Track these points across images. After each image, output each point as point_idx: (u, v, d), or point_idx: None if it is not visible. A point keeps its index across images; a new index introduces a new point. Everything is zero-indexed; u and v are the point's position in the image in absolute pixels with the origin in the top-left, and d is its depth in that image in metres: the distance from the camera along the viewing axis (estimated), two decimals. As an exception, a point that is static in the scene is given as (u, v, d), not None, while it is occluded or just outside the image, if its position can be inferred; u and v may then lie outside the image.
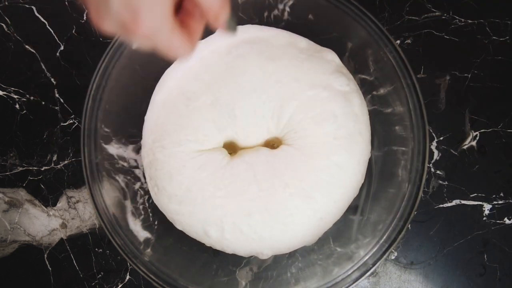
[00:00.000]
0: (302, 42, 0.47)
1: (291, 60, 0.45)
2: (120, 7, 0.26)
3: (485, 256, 0.50)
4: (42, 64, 0.54)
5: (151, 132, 0.46)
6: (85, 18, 0.54)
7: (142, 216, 0.47)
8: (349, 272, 0.43)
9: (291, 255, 0.47)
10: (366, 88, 0.47)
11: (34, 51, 0.54)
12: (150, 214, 0.47)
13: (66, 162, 0.53)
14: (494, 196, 0.51)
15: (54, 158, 0.53)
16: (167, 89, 0.46)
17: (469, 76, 0.52)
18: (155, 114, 0.46)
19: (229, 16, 0.30)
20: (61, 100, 0.53)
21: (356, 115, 0.44)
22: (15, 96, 0.53)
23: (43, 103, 0.53)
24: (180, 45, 0.29)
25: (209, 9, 0.29)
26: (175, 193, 0.44)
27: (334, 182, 0.43)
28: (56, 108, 0.53)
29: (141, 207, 0.47)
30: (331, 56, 0.46)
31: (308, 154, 0.43)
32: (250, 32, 0.46)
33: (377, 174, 0.47)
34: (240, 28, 0.45)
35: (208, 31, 0.39)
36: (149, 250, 0.45)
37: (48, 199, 0.52)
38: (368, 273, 0.42)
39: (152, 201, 0.47)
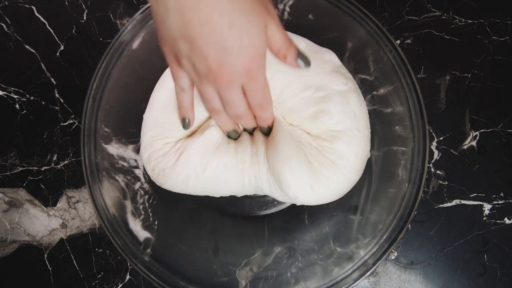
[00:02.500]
0: (301, 43, 0.47)
1: None
2: (238, 56, 0.31)
3: (485, 256, 0.50)
4: (42, 64, 0.54)
5: (150, 128, 0.46)
6: (85, 18, 0.54)
7: (142, 216, 0.47)
8: (349, 272, 0.43)
9: (291, 255, 0.47)
10: (366, 88, 0.47)
11: (34, 51, 0.54)
12: (150, 214, 0.47)
13: (66, 162, 0.53)
14: (494, 196, 0.51)
15: (54, 158, 0.53)
16: (168, 88, 0.46)
17: (469, 76, 0.52)
18: (155, 113, 0.46)
19: (297, 53, 0.35)
20: (61, 100, 0.53)
21: (354, 113, 0.44)
22: (15, 96, 0.53)
23: (43, 103, 0.53)
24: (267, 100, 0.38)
25: (278, 51, 0.34)
26: (187, 172, 0.44)
27: (334, 169, 0.43)
28: (56, 108, 0.53)
29: (141, 207, 0.47)
30: (329, 57, 0.46)
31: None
32: None
33: (377, 174, 0.47)
34: None
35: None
36: (149, 250, 0.45)
37: (48, 199, 0.52)
38: (368, 273, 0.42)
39: (152, 201, 0.47)
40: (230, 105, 0.35)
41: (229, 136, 0.45)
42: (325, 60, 0.46)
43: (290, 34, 0.47)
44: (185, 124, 0.41)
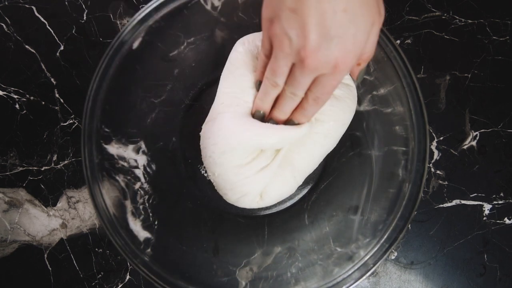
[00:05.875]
0: None
1: None
2: (338, 45, 0.30)
3: (485, 256, 0.50)
4: (42, 64, 0.54)
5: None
6: (85, 18, 0.54)
7: (142, 216, 0.47)
8: (350, 272, 0.43)
9: (291, 255, 0.47)
10: (366, 88, 0.47)
11: (34, 51, 0.54)
12: (150, 214, 0.47)
13: (66, 162, 0.53)
14: (494, 196, 0.51)
15: (54, 158, 0.53)
16: None
17: (469, 76, 0.52)
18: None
19: (365, 68, 0.37)
20: (61, 100, 0.53)
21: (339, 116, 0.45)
22: (15, 96, 0.53)
23: (43, 103, 0.53)
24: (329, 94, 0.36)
25: (361, 54, 0.34)
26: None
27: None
28: (56, 108, 0.53)
29: (141, 207, 0.47)
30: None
31: None
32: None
33: (377, 174, 0.47)
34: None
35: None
36: (149, 250, 0.45)
37: (48, 199, 0.52)
38: (368, 273, 0.42)
39: (152, 201, 0.47)
40: (295, 85, 0.35)
41: (253, 115, 0.43)
42: None
43: None
44: (259, 115, 0.41)
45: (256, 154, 0.43)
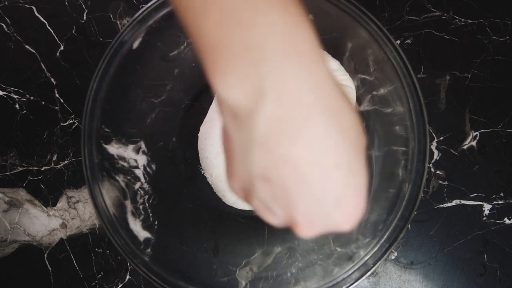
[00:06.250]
0: (333, 63, 0.47)
1: None
2: (338, 211, 0.23)
3: (485, 256, 0.50)
4: (42, 64, 0.54)
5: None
6: (85, 18, 0.54)
7: (142, 216, 0.47)
8: (349, 272, 0.43)
9: (291, 255, 0.47)
10: (366, 88, 0.47)
11: (34, 51, 0.54)
12: (150, 214, 0.47)
13: (66, 162, 0.53)
14: (494, 196, 0.51)
15: (54, 158, 0.53)
16: None
17: (469, 76, 0.52)
18: None
19: None
20: (61, 100, 0.53)
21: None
22: (15, 96, 0.53)
23: (43, 103, 0.53)
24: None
25: None
26: None
27: None
28: (56, 108, 0.53)
29: (141, 207, 0.47)
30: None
31: None
32: None
33: (377, 174, 0.47)
34: None
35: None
36: (149, 250, 0.45)
37: (48, 199, 0.52)
38: (368, 273, 0.42)
39: (152, 201, 0.47)
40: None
41: None
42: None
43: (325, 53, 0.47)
44: None
45: None
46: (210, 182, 0.47)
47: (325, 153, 0.21)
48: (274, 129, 0.21)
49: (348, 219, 0.24)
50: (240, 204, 0.46)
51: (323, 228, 0.24)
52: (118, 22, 0.54)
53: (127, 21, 0.51)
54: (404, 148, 0.44)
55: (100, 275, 0.51)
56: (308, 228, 0.24)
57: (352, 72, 0.47)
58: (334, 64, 0.46)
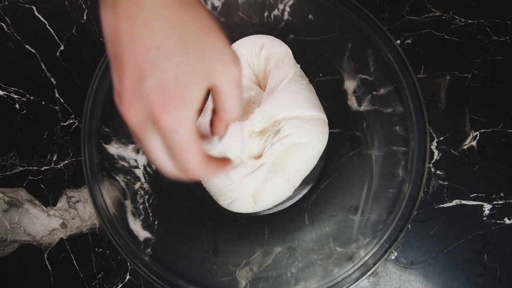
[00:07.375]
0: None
1: None
2: (153, 88, 0.25)
3: (485, 256, 0.50)
4: (42, 64, 0.54)
5: None
6: (85, 18, 0.54)
7: (142, 216, 0.47)
8: (350, 272, 0.43)
9: (291, 255, 0.47)
10: (366, 88, 0.47)
11: (34, 51, 0.54)
12: (150, 214, 0.47)
13: (66, 162, 0.53)
14: (494, 196, 0.51)
15: (54, 158, 0.53)
16: None
17: (469, 76, 0.52)
18: None
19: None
20: (61, 100, 0.53)
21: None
22: (15, 96, 0.53)
23: (43, 103, 0.53)
24: (194, 158, 0.28)
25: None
26: None
27: None
28: (56, 108, 0.53)
29: (141, 207, 0.47)
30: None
31: None
32: None
33: (377, 174, 0.47)
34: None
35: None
36: (149, 250, 0.45)
37: (48, 199, 0.52)
38: (369, 273, 0.42)
39: (152, 201, 0.47)
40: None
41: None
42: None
43: (272, 37, 0.47)
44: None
45: (240, 160, 0.43)
46: (205, 187, 0.47)
47: (164, 37, 0.24)
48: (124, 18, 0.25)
49: (164, 105, 0.25)
50: (234, 207, 0.46)
51: (140, 108, 0.26)
52: (118, 22, 0.54)
53: (127, 21, 0.51)
54: (404, 148, 0.44)
55: (100, 275, 0.51)
56: (127, 103, 0.27)
57: (352, 72, 0.47)
58: (296, 69, 0.46)
